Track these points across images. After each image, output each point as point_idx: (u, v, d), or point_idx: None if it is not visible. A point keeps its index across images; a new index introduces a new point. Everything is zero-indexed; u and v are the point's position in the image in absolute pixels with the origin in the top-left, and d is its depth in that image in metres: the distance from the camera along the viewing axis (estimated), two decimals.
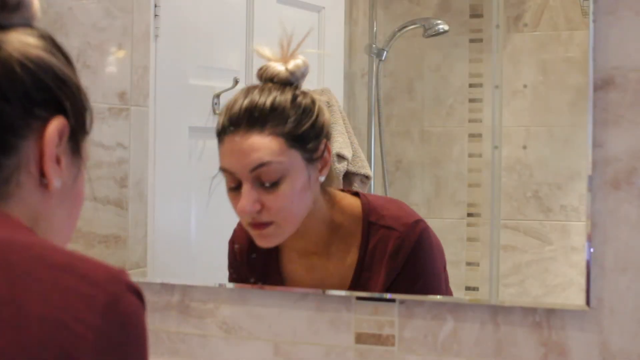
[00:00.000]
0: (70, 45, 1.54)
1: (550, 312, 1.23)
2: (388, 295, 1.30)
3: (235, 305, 1.41)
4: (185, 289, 1.44)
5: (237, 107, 1.18)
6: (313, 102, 1.21)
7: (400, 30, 1.49)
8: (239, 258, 1.37)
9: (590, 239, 1.20)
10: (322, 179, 1.24)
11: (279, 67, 1.20)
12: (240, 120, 1.16)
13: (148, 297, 1.45)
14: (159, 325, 1.46)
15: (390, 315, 1.31)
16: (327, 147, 1.23)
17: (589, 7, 1.20)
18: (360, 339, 1.33)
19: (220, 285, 1.42)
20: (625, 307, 1.20)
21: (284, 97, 1.18)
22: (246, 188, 1.18)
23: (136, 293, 0.61)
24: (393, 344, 1.31)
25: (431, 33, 1.47)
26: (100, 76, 1.54)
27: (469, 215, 1.40)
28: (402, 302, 1.30)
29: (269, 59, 1.22)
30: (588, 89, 1.20)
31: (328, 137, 1.24)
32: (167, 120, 1.56)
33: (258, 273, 1.35)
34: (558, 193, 1.37)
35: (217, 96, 1.55)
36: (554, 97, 1.38)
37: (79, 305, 0.57)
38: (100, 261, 0.61)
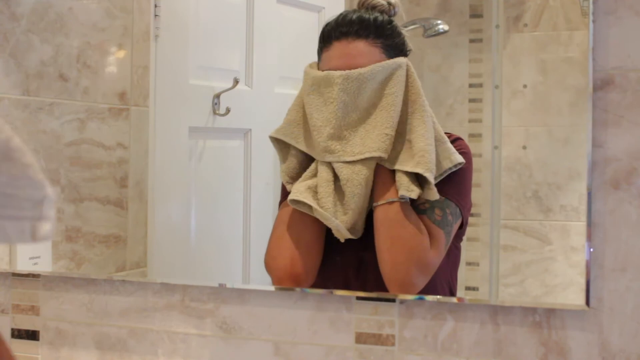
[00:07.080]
0: (70, 45, 1.55)
1: (550, 312, 1.23)
2: (388, 295, 1.30)
3: (235, 305, 1.41)
4: (185, 289, 1.44)
5: (348, 18, 1.37)
6: (399, 26, 1.42)
7: None
8: None
9: (590, 238, 1.20)
10: None
11: (381, 0, 1.40)
12: (351, 29, 1.36)
13: (148, 297, 1.46)
14: (159, 325, 1.46)
15: (390, 315, 1.31)
16: None
17: (588, 7, 1.20)
18: (360, 339, 1.33)
19: (220, 285, 1.42)
20: (625, 307, 1.20)
21: (382, 18, 1.39)
22: None
23: None
24: (393, 344, 1.31)
25: (431, 33, 1.48)
26: (100, 76, 1.54)
27: (469, 215, 1.40)
28: (402, 301, 1.30)
29: None
30: (588, 89, 1.20)
31: (407, 55, 1.41)
32: (167, 120, 1.56)
33: None
34: (558, 193, 1.37)
35: (217, 96, 1.55)
36: (554, 97, 1.38)
37: None
38: None
